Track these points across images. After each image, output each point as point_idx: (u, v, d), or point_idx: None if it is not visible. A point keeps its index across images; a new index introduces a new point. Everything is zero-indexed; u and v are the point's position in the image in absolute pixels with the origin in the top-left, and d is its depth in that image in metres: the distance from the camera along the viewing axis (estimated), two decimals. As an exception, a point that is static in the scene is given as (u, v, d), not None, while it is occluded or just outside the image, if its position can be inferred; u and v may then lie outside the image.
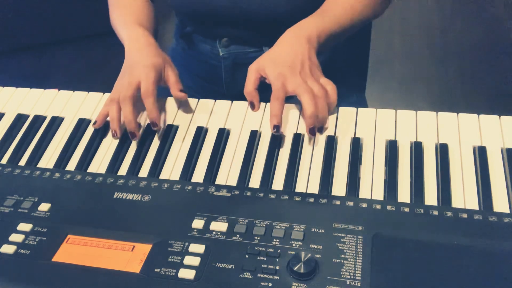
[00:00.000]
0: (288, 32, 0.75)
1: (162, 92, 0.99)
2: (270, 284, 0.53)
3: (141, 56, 0.77)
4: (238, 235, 0.58)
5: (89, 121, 0.78)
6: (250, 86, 0.74)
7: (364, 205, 0.60)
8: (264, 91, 0.95)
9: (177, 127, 0.75)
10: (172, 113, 0.77)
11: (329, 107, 0.71)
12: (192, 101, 0.79)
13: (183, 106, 0.78)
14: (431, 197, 0.61)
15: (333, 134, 0.70)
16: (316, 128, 0.68)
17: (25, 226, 0.62)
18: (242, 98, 0.78)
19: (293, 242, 0.57)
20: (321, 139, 0.70)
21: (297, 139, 0.70)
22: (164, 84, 0.78)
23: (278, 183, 0.65)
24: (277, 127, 0.68)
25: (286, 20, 0.84)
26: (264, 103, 0.76)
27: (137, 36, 0.80)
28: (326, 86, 0.71)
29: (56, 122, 0.79)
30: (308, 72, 0.71)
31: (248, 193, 0.63)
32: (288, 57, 0.71)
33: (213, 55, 0.91)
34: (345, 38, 0.80)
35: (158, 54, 0.78)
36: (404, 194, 0.62)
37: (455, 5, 2.37)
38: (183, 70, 1.01)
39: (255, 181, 0.66)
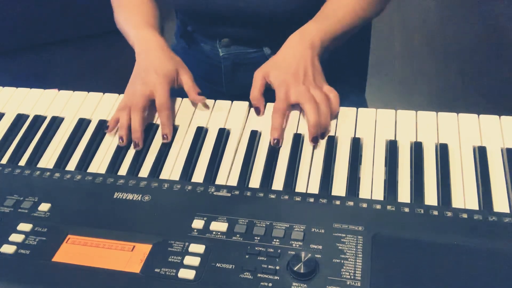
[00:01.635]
0: (292, 38, 0.75)
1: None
2: (270, 284, 0.53)
3: (153, 61, 0.76)
4: (238, 235, 0.58)
5: (89, 121, 0.78)
6: (256, 91, 0.74)
7: (364, 205, 0.60)
8: (266, 92, 0.95)
9: (177, 127, 0.75)
10: (172, 113, 0.77)
11: (332, 115, 0.71)
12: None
13: (183, 106, 0.78)
14: (431, 197, 0.61)
15: (333, 134, 0.70)
16: (318, 137, 0.68)
17: (25, 226, 0.62)
18: (242, 98, 0.78)
19: (293, 242, 0.57)
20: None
21: (297, 139, 0.70)
22: (178, 87, 0.78)
23: (278, 183, 0.65)
24: (277, 140, 0.69)
25: (286, 19, 0.84)
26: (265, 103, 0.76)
27: (147, 38, 0.80)
28: (329, 94, 0.71)
29: (56, 122, 0.79)
30: (311, 79, 0.71)
31: (248, 193, 0.63)
32: (291, 64, 0.72)
33: (213, 55, 0.91)
34: (347, 38, 0.81)
35: (170, 59, 0.78)
36: (404, 194, 0.62)
37: (455, 5, 2.37)
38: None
39: (255, 181, 0.66)
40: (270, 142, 0.69)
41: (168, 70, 0.76)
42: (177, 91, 0.83)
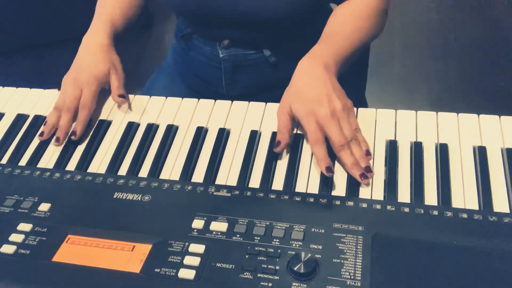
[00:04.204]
0: (303, 63, 0.71)
1: (162, 92, 0.99)
2: (270, 284, 0.53)
3: (88, 61, 0.80)
4: (238, 235, 0.58)
5: (90, 121, 0.78)
6: (283, 129, 0.68)
7: (364, 205, 0.60)
8: (266, 91, 0.95)
9: (177, 127, 0.75)
10: (172, 113, 0.77)
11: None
12: (192, 101, 0.79)
13: (183, 106, 0.79)
14: (431, 197, 0.61)
15: (333, 134, 0.70)
16: (364, 172, 0.63)
17: (25, 226, 0.62)
18: (242, 99, 0.78)
19: (293, 242, 0.57)
20: (321, 139, 0.70)
21: (297, 139, 0.70)
22: (108, 87, 0.81)
23: (278, 183, 0.65)
24: (329, 168, 0.63)
25: (285, 22, 0.84)
26: (264, 103, 0.76)
27: (93, 35, 0.83)
28: (358, 136, 0.67)
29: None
30: (338, 107, 0.66)
31: (248, 193, 0.63)
32: (312, 91, 0.67)
33: (213, 56, 0.91)
34: (356, 59, 0.78)
35: (105, 59, 0.80)
36: (404, 194, 0.62)
37: (455, 5, 2.37)
38: (183, 70, 1.01)
39: (255, 181, 0.66)
40: (321, 172, 0.64)
41: (100, 71, 0.79)
42: (179, 92, 0.83)
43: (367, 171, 0.64)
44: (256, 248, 0.56)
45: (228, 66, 0.91)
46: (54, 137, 0.75)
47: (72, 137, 0.74)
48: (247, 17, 0.82)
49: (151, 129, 0.75)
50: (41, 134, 0.76)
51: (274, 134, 0.70)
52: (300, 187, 0.64)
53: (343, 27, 0.78)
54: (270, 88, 0.93)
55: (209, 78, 0.96)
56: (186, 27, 0.94)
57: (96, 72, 0.79)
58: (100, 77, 0.79)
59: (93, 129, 0.77)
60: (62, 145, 0.75)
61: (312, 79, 0.68)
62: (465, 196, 0.61)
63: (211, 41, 0.90)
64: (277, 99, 0.72)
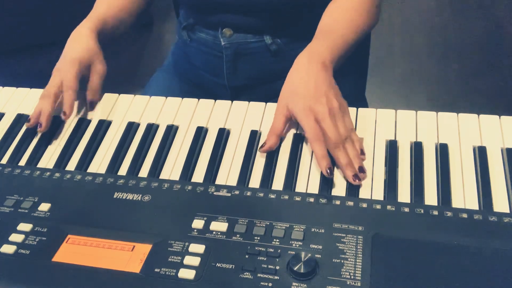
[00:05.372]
0: (300, 60, 0.71)
1: (162, 92, 0.99)
2: (270, 284, 0.53)
3: (71, 50, 0.80)
4: (238, 235, 0.58)
5: (89, 121, 0.78)
6: (274, 131, 0.69)
7: (364, 205, 0.60)
8: (267, 81, 0.95)
9: (177, 127, 0.75)
10: (172, 113, 0.77)
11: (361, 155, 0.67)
12: (192, 101, 0.79)
13: (183, 106, 0.79)
14: (431, 197, 0.61)
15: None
16: (357, 173, 0.64)
17: (25, 226, 0.62)
18: (243, 89, 0.77)
19: (293, 242, 0.57)
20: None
21: (297, 139, 0.70)
22: (89, 74, 0.81)
23: (278, 183, 0.65)
24: (330, 170, 0.63)
25: (286, 7, 0.85)
26: (264, 103, 0.76)
27: (79, 27, 0.84)
28: (353, 136, 0.68)
29: (56, 122, 0.79)
30: (335, 107, 0.66)
31: (248, 193, 0.63)
32: (310, 89, 0.67)
33: (215, 45, 0.92)
34: (351, 52, 0.79)
35: (86, 47, 0.80)
36: (404, 194, 0.62)
37: (455, 5, 2.37)
38: (185, 63, 1.01)
39: (255, 181, 0.66)
40: (322, 172, 0.64)
41: (81, 54, 0.79)
42: (179, 91, 0.82)
43: (361, 171, 0.64)
44: (256, 248, 0.56)
45: (230, 54, 0.91)
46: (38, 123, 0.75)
47: (63, 117, 0.75)
48: (248, 2, 0.83)
49: (151, 129, 0.75)
50: (40, 125, 0.75)
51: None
52: (300, 187, 0.64)
53: (338, 23, 0.78)
54: (271, 78, 0.93)
55: (210, 69, 0.96)
56: (188, 18, 0.94)
57: (76, 55, 0.79)
58: (80, 59, 0.78)
59: (93, 129, 0.77)
60: (61, 145, 0.75)
61: (309, 77, 0.69)
62: (465, 196, 0.61)
63: (213, 30, 0.91)
64: (278, 90, 0.72)
